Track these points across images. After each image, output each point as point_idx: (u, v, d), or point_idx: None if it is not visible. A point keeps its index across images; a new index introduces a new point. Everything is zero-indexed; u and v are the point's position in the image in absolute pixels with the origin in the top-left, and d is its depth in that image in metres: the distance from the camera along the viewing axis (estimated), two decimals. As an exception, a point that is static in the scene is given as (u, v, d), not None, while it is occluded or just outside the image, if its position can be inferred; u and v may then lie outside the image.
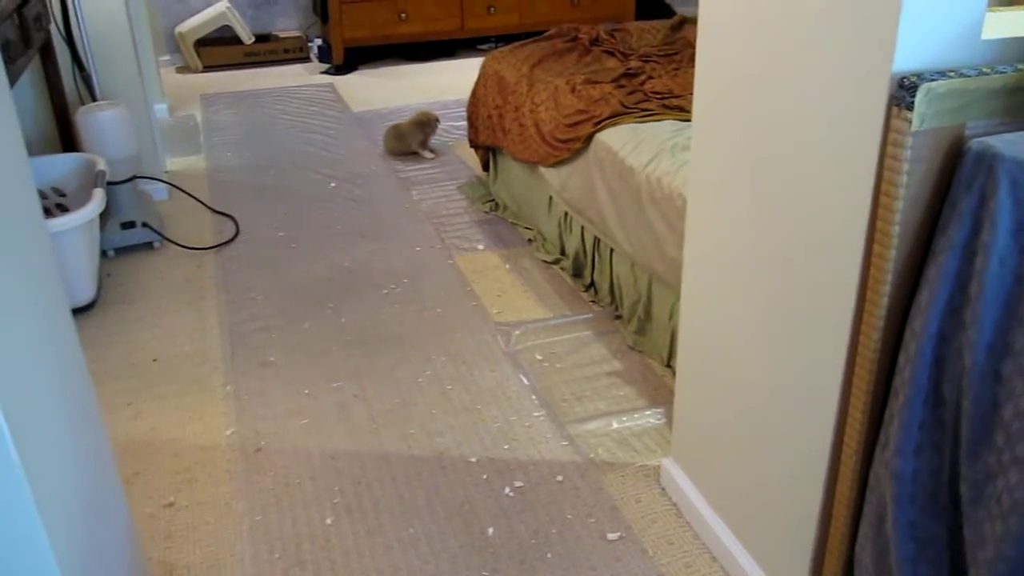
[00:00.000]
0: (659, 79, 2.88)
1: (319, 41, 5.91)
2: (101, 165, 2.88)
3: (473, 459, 2.04)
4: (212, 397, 2.30)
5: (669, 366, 2.33)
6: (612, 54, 3.20)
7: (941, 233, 1.11)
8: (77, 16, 3.18)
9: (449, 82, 5.29)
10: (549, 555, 1.77)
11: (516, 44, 3.41)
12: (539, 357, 2.43)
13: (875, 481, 1.24)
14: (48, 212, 2.82)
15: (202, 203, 3.53)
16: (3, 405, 0.93)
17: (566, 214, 2.85)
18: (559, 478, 1.97)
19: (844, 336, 1.25)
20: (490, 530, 1.83)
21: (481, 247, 3.10)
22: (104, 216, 3.00)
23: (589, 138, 2.59)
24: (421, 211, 3.41)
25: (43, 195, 2.91)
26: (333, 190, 3.64)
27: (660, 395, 2.25)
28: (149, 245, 3.16)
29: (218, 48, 5.74)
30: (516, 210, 3.30)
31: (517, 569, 1.74)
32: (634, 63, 3.04)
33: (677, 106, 2.61)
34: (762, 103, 1.37)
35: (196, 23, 5.67)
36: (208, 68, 5.74)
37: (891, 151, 1.10)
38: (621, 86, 2.80)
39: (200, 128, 4.51)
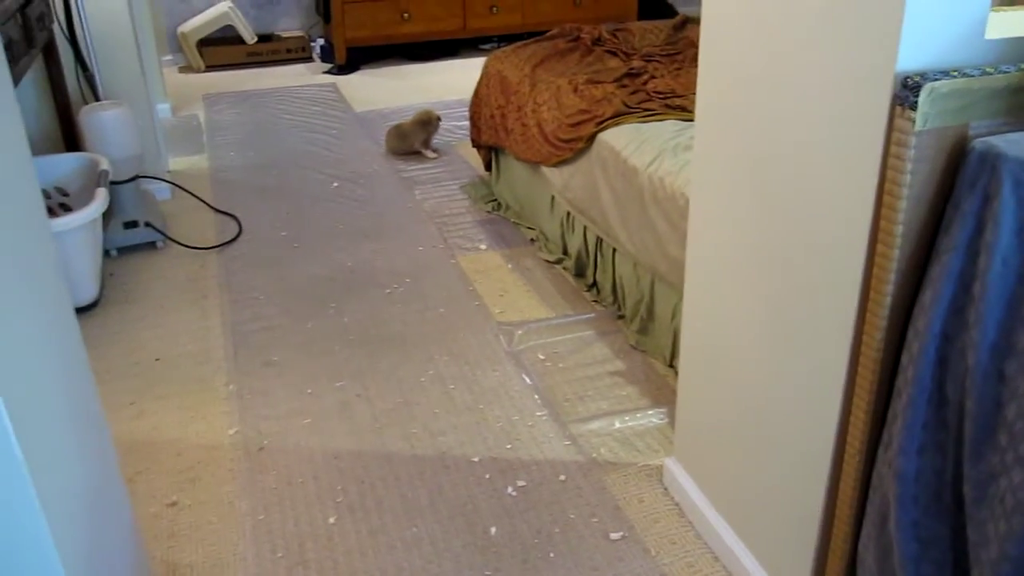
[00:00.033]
0: (661, 79, 2.88)
1: (322, 41, 5.92)
2: (104, 165, 2.88)
3: (476, 459, 2.04)
4: (215, 396, 2.30)
5: (671, 366, 2.33)
6: (614, 54, 3.20)
7: (944, 233, 1.11)
8: (80, 16, 3.19)
9: (451, 82, 5.29)
10: (552, 554, 1.77)
11: (518, 44, 3.41)
12: (541, 357, 2.43)
13: (878, 481, 1.24)
14: (51, 212, 2.82)
15: (205, 203, 3.53)
16: (7, 403, 0.93)
17: (568, 214, 2.85)
18: (562, 478, 1.97)
19: (847, 336, 1.25)
20: (493, 529, 1.83)
21: (483, 247, 3.10)
22: (107, 216, 3.00)
23: (591, 138, 2.59)
24: (424, 211, 3.41)
25: (46, 195, 2.91)
26: (336, 190, 3.65)
27: (662, 395, 2.25)
28: (152, 245, 3.17)
29: (221, 48, 5.75)
30: (518, 210, 3.30)
31: (520, 568, 1.74)
32: (636, 63, 3.04)
33: (680, 106, 2.61)
34: (765, 103, 1.37)
35: (199, 23, 5.68)
36: (211, 68, 5.75)
37: (894, 151, 1.10)
38: (624, 86, 2.80)
39: (203, 128, 4.52)
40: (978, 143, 1.06)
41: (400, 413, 2.21)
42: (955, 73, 1.07)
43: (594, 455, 2.04)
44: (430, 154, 3.98)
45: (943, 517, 1.17)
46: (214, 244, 3.18)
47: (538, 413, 2.19)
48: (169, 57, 5.81)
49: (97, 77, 3.28)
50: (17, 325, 1.03)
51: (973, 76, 1.06)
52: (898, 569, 1.20)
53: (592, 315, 2.63)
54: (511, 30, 5.86)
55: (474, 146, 3.57)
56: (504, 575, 1.72)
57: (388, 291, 2.81)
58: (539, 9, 5.85)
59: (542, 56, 3.20)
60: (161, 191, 3.59)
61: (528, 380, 2.33)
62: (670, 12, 6.00)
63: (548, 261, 2.96)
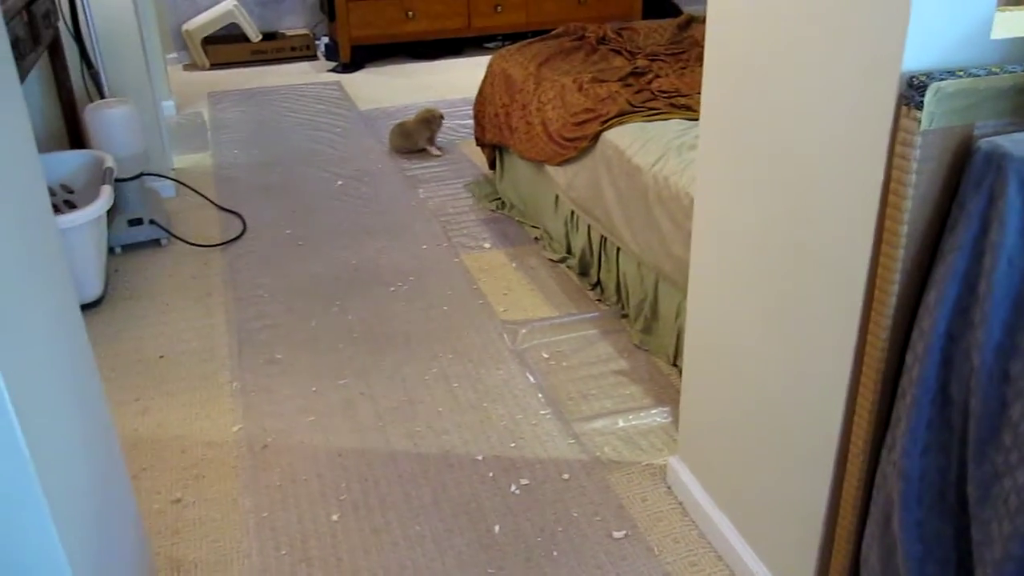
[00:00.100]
0: (666, 78, 2.88)
1: (326, 39, 5.92)
2: (109, 162, 2.89)
3: (479, 457, 2.04)
4: (219, 394, 2.31)
5: (675, 365, 2.33)
6: (619, 53, 3.20)
7: (949, 233, 1.11)
8: (85, 13, 3.20)
9: (456, 80, 5.29)
10: (555, 553, 1.77)
11: (523, 43, 3.41)
12: (545, 355, 2.43)
13: (882, 480, 1.24)
14: (56, 209, 2.83)
15: (209, 200, 3.54)
16: (14, 399, 0.94)
17: (573, 213, 2.85)
18: (565, 476, 1.97)
19: (851, 336, 1.25)
20: (496, 528, 1.84)
21: (487, 245, 3.10)
22: (112, 213, 3.01)
23: (596, 137, 2.59)
24: (428, 209, 3.42)
25: (51, 192, 2.92)
26: (340, 188, 3.65)
27: (666, 394, 2.25)
28: (156, 242, 3.17)
29: (225, 46, 5.75)
30: (523, 208, 3.30)
31: (523, 567, 1.74)
32: (641, 62, 3.04)
33: (684, 105, 2.61)
34: (770, 102, 1.37)
35: (203, 21, 5.68)
36: (215, 66, 5.76)
37: (900, 150, 1.10)
38: (628, 85, 2.80)
39: (207, 125, 4.52)
40: (984, 143, 1.06)
41: (404, 411, 2.21)
42: (961, 73, 1.07)
43: (598, 454, 2.04)
44: (435, 151, 3.99)
45: (947, 517, 1.17)
46: (218, 242, 3.18)
47: (542, 412, 2.20)
48: (174, 55, 5.82)
49: (102, 74, 3.28)
50: (24, 321, 1.03)
51: (979, 76, 1.06)
52: (902, 569, 1.20)
53: (596, 314, 2.63)
54: (515, 29, 5.86)
55: (478, 145, 3.57)
56: (507, 573, 1.73)
57: (392, 289, 2.81)
58: (543, 8, 5.85)
59: (547, 55, 3.20)
60: (165, 189, 3.60)
61: (532, 379, 2.33)
62: (675, 11, 6.00)
63: (552, 260, 2.96)
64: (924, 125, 1.06)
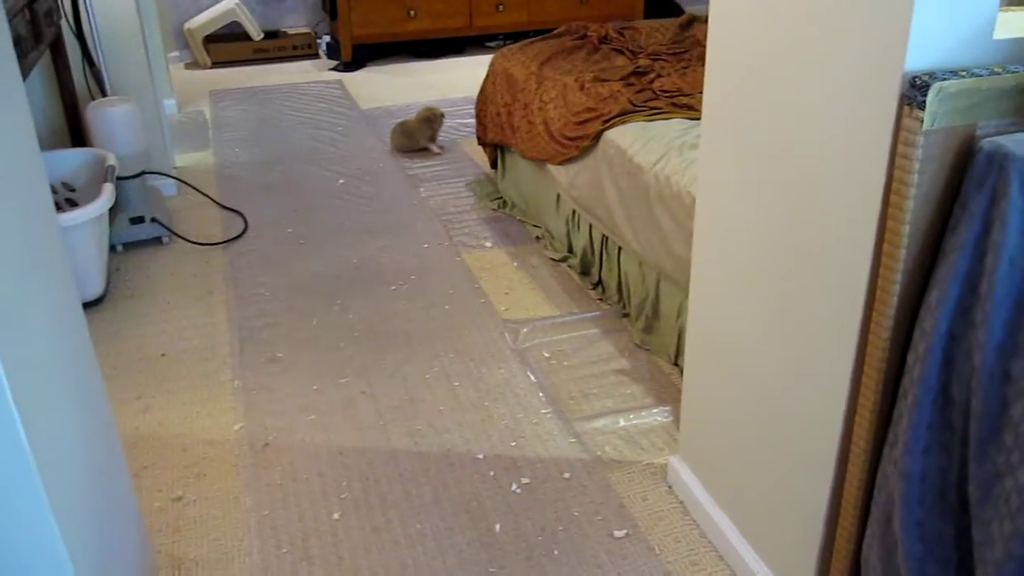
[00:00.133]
0: (668, 77, 2.88)
1: (328, 38, 5.92)
2: (111, 160, 2.89)
3: (480, 456, 2.04)
4: (220, 392, 2.31)
5: (676, 364, 2.33)
6: (621, 52, 3.20)
7: (951, 232, 1.11)
8: (87, 12, 3.20)
9: (457, 79, 5.29)
10: (555, 552, 1.77)
11: (525, 42, 3.41)
12: (546, 354, 2.43)
13: (883, 480, 1.24)
14: (58, 207, 2.83)
15: (211, 199, 3.54)
16: (16, 397, 0.94)
17: (574, 212, 2.85)
18: (566, 475, 1.98)
19: (853, 335, 1.25)
20: (497, 526, 1.84)
21: (489, 244, 3.10)
22: (113, 211, 3.01)
23: (598, 136, 2.59)
24: (429, 208, 3.42)
25: (53, 190, 2.92)
26: (341, 187, 3.65)
27: (667, 393, 2.25)
28: (158, 240, 3.17)
29: (227, 44, 5.75)
30: (524, 208, 3.30)
31: (523, 565, 1.74)
32: (643, 61, 3.04)
33: (686, 104, 2.61)
34: (772, 102, 1.37)
35: (205, 19, 5.69)
36: (217, 64, 5.76)
37: (902, 150, 1.10)
38: (630, 84, 2.80)
39: (209, 124, 4.53)
40: (986, 143, 1.06)
41: (405, 410, 2.21)
42: (963, 73, 1.07)
43: (598, 453, 2.04)
44: (436, 149, 3.99)
45: (948, 517, 1.17)
46: (220, 240, 3.18)
47: (543, 411, 2.20)
48: (176, 53, 5.82)
49: (104, 73, 3.29)
50: (26, 319, 1.03)
51: (981, 76, 1.06)
52: (902, 568, 1.20)
53: (597, 313, 2.63)
54: (517, 28, 5.86)
55: (480, 144, 3.57)
56: (508, 572, 1.73)
57: (393, 288, 2.82)
58: (545, 7, 5.85)
59: (549, 54, 3.20)
60: (167, 187, 3.60)
61: (533, 377, 2.33)
62: (677, 11, 6.00)
63: (553, 259, 2.96)
64: (926, 125, 1.06)
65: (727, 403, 1.65)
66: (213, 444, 2.11)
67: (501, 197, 3.45)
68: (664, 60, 3.08)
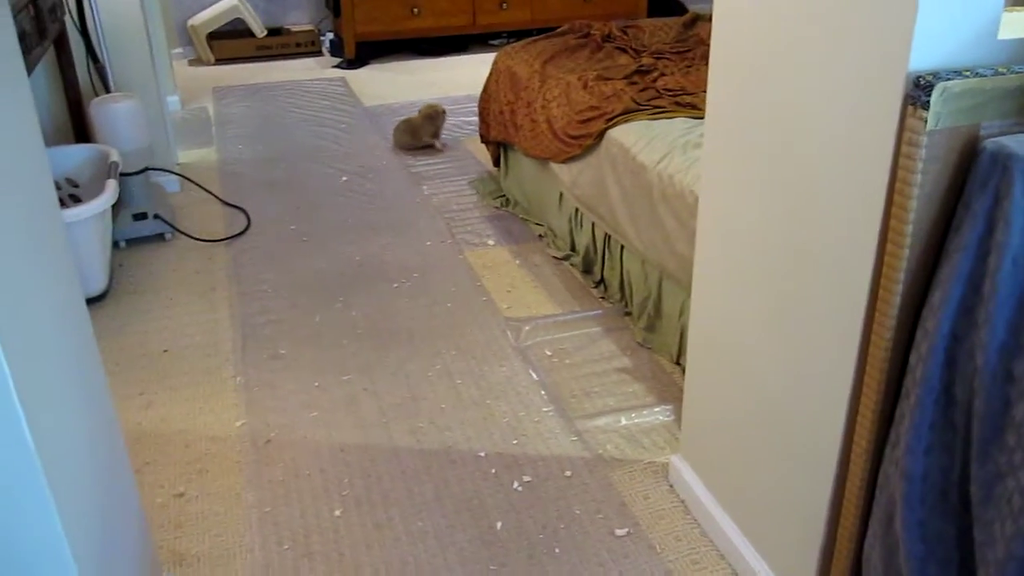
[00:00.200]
0: (671, 76, 2.87)
1: (331, 35, 5.92)
2: (114, 156, 2.90)
3: (482, 453, 2.05)
4: (223, 388, 2.31)
5: (678, 363, 2.33)
6: (624, 51, 3.20)
7: (955, 233, 1.10)
8: (91, 8, 3.20)
9: (460, 77, 5.29)
10: (557, 550, 1.77)
11: (528, 40, 3.41)
12: (548, 353, 2.43)
13: (885, 480, 1.24)
14: (62, 203, 2.84)
15: (213, 195, 3.54)
16: (20, 392, 0.94)
17: (577, 210, 2.85)
18: (567, 473, 1.98)
19: (856, 335, 1.25)
20: (498, 524, 1.84)
21: (491, 242, 3.10)
22: (116, 207, 3.01)
23: (601, 134, 2.59)
24: (432, 206, 3.42)
25: (57, 186, 2.93)
26: (344, 184, 3.65)
27: (669, 392, 2.25)
28: (161, 236, 3.18)
29: (230, 41, 5.75)
30: (527, 206, 3.30)
31: (525, 563, 1.74)
32: (646, 60, 3.04)
33: (689, 103, 2.61)
34: (776, 101, 1.37)
35: (209, 16, 5.69)
36: (220, 61, 5.76)
37: (906, 150, 1.10)
38: (633, 83, 2.79)
39: (212, 121, 4.53)
40: (989, 143, 1.06)
41: (407, 407, 2.22)
42: (967, 73, 1.07)
43: (600, 451, 2.05)
44: (439, 145, 4.00)
45: (949, 517, 1.17)
46: (223, 237, 3.19)
47: (545, 409, 2.20)
48: (179, 50, 5.83)
49: (108, 69, 3.29)
50: (29, 315, 1.04)
51: (985, 76, 1.06)
52: (904, 568, 1.20)
53: (599, 312, 2.63)
54: (520, 26, 5.86)
55: (483, 142, 3.57)
56: (509, 570, 1.73)
57: (396, 285, 2.82)
58: (548, 6, 5.85)
59: (552, 52, 3.20)
60: (170, 183, 3.60)
61: (535, 376, 2.33)
62: (680, 9, 5.99)
63: (556, 257, 2.96)
64: (930, 125, 1.06)
65: (729, 402, 1.65)
66: (215, 440, 2.12)
67: (504, 195, 3.45)
68: (667, 59, 3.08)
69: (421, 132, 3.99)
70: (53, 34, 2.84)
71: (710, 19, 2.94)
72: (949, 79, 1.05)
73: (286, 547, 1.80)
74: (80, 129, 3.32)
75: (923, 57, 1.08)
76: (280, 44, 5.86)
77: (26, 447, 0.96)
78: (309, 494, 1.94)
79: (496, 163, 3.56)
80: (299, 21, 6.16)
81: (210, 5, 5.77)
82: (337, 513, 1.88)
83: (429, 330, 2.56)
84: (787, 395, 1.45)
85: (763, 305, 1.48)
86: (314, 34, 5.94)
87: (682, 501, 1.89)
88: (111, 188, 2.67)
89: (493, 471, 1.99)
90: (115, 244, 3.08)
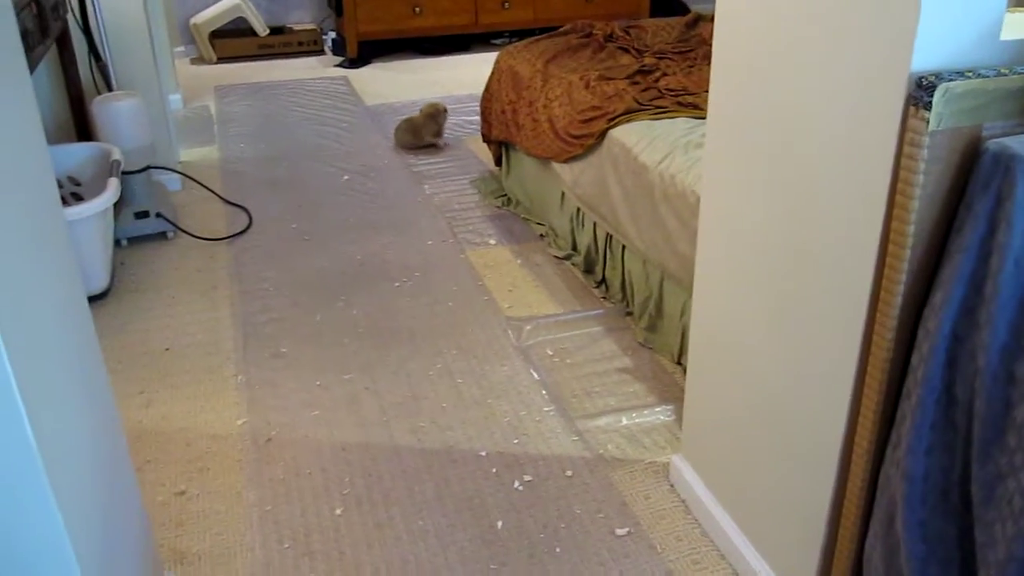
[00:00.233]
0: (673, 76, 2.87)
1: (333, 34, 5.92)
2: (116, 155, 2.90)
3: (483, 453, 2.05)
4: (224, 387, 2.31)
5: (679, 363, 2.33)
6: (626, 51, 3.20)
7: (956, 233, 1.10)
8: (94, 6, 3.20)
9: (462, 76, 5.29)
10: (558, 549, 1.77)
11: (530, 39, 3.41)
12: (550, 352, 2.43)
13: (886, 480, 1.24)
14: (64, 201, 2.84)
15: (215, 194, 3.54)
16: (22, 390, 0.94)
17: (578, 210, 2.85)
18: (568, 473, 1.98)
19: (857, 335, 1.25)
20: (499, 523, 1.84)
21: (493, 242, 3.10)
22: (118, 205, 3.02)
23: (603, 134, 2.59)
24: (433, 205, 3.42)
25: (59, 184, 2.93)
26: (346, 183, 3.65)
27: (670, 392, 2.25)
28: (162, 235, 3.18)
29: (233, 40, 5.76)
30: (528, 205, 3.30)
31: (525, 563, 1.74)
32: (648, 60, 3.03)
33: (691, 103, 2.61)
34: (778, 101, 1.37)
35: (211, 15, 5.69)
36: (222, 60, 5.76)
37: (908, 151, 1.10)
38: (635, 83, 2.79)
39: (214, 119, 4.53)
40: (992, 144, 1.06)
41: (408, 406, 2.22)
42: (970, 74, 1.07)
43: (601, 451, 2.05)
44: (440, 143, 4.01)
45: (950, 517, 1.17)
46: (224, 235, 3.19)
47: (546, 408, 2.20)
48: (181, 48, 5.83)
49: (110, 67, 3.29)
50: (31, 313, 1.04)
51: (988, 77, 1.06)
52: (905, 569, 1.20)
53: (601, 311, 2.63)
54: (522, 26, 5.86)
55: (484, 141, 3.57)
56: (510, 569, 1.73)
57: (397, 284, 2.82)
58: (550, 5, 5.85)
59: (554, 52, 3.20)
60: (172, 182, 3.61)
61: (536, 375, 2.33)
62: (682, 9, 5.99)
63: (557, 257, 2.96)
64: (932, 126, 1.06)
65: (730, 402, 1.65)
66: (216, 439, 2.12)
67: (505, 194, 3.45)
68: (670, 59, 3.08)
69: (423, 131, 3.99)
70: (55, 32, 2.84)
71: (712, 19, 2.93)
72: (951, 80, 1.05)
73: (287, 546, 1.80)
74: (82, 127, 3.32)
75: (925, 58, 1.08)
76: (282, 43, 5.86)
77: (28, 445, 0.96)
78: (310, 493, 1.94)
79: (498, 162, 3.56)
80: (301, 20, 6.16)
81: (212, 4, 5.77)
82: (338, 512, 1.88)
83: (430, 329, 2.56)
84: (788, 395, 1.45)
85: (764, 305, 1.48)
86: (316, 33, 5.94)
87: (683, 501, 1.89)
88: (113, 186, 2.67)
89: (494, 470, 1.99)
90: (117, 242, 3.08)
